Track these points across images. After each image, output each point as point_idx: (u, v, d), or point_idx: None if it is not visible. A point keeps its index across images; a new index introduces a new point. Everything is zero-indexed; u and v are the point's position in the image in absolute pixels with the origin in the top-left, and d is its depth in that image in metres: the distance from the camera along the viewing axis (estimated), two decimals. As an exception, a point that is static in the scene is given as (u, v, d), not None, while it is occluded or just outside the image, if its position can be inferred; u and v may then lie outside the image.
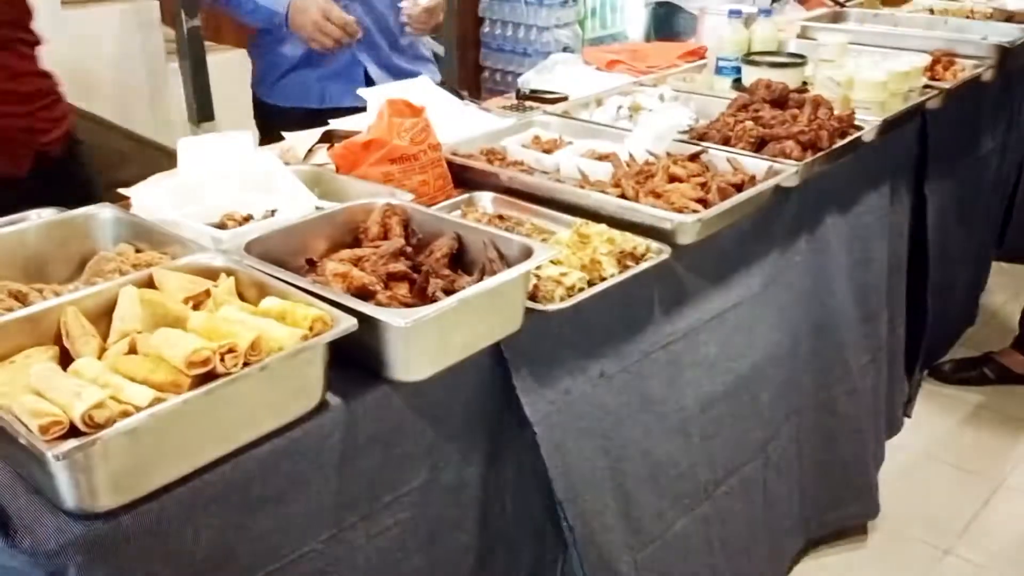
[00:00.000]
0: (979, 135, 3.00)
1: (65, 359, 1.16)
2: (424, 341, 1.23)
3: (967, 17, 3.21)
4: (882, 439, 2.63)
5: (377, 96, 2.24)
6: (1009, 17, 3.09)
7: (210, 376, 1.05)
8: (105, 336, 1.19)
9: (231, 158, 1.84)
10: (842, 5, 3.32)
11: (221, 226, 1.51)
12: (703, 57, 2.86)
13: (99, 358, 1.15)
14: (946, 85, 2.43)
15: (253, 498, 1.14)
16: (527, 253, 1.38)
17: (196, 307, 1.22)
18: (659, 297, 1.74)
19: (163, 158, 3.16)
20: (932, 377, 3.16)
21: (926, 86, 2.42)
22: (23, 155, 2.02)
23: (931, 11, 3.33)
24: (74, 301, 1.20)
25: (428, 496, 1.40)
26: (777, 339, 2.10)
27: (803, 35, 3.01)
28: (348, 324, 1.16)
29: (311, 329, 1.15)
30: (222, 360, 1.04)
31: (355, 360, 1.25)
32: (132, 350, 1.14)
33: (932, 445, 2.83)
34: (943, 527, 2.47)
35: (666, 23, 3.58)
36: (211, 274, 1.29)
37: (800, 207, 2.06)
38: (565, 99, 2.49)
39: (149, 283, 1.26)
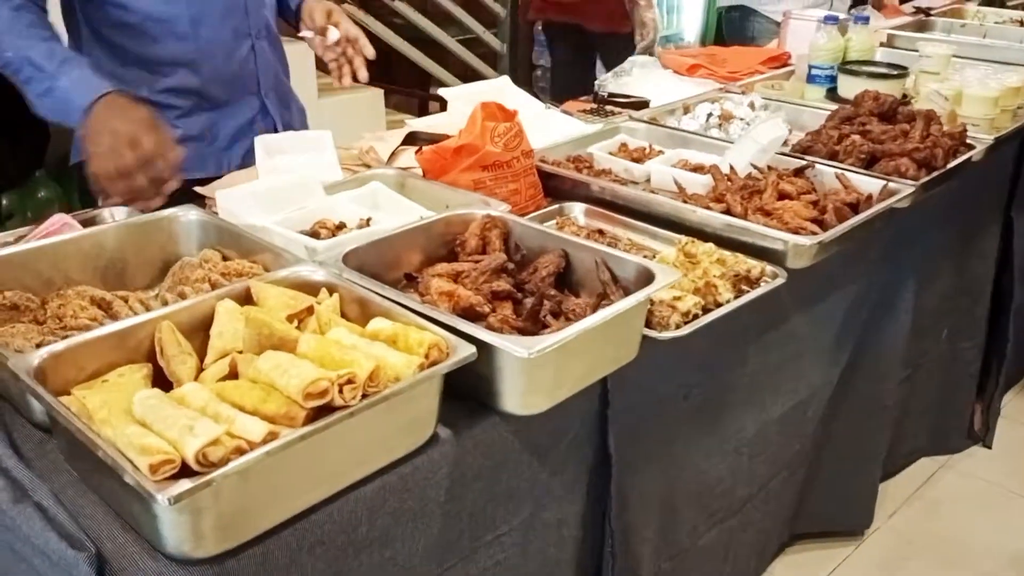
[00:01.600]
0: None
1: (158, 377, 1.07)
2: (544, 373, 1.13)
3: (1060, 29, 3.06)
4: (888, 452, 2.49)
5: (456, 96, 2.16)
6: (1107, 32, 2.94)
7: (324, 408, 0.95)
8: (200, 353, 1.10)
9: (312, 159, 1.76)
10: (928, 13, 3.18)
11: (314, 234, 1.41)
12: (786, 63, 2.74)
13: (196, 378, 1.06)
14: (1055, 102, 2.28)
15: (359, 539, 1.04)
16: (646, 276, 1.27)
17: (298, 325, 1.13)
18: (758, 322, 1.63)
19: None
20: None
21: (1033, 103, 2.28)
22: None
23: (1021, 23, 3.18)
24: (168, 315, 1.11)
25: (528, 535, 1.31)
26: (837, 358, 1.98)
27: (889, 44, 2.88)
28: (467, 353, 1.06)
29: (427, 356, 1.05)
30: (340, 392, 0.94)
31: (458, 387, 1.15)
32: (232, 371, 1.05)
33: (1019, 480, 2.69)
34: (1031, 568, 2.34)
35: (740, 27, 3.45)
36: (311, 289, 1.20)
37: (898, 229, 1.94)
38: (646, 104, 2.37)
39: (246, 297, 1.17)
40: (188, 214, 1.42)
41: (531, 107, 2.18)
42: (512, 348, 1.08)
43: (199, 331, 1.12)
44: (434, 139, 1.84)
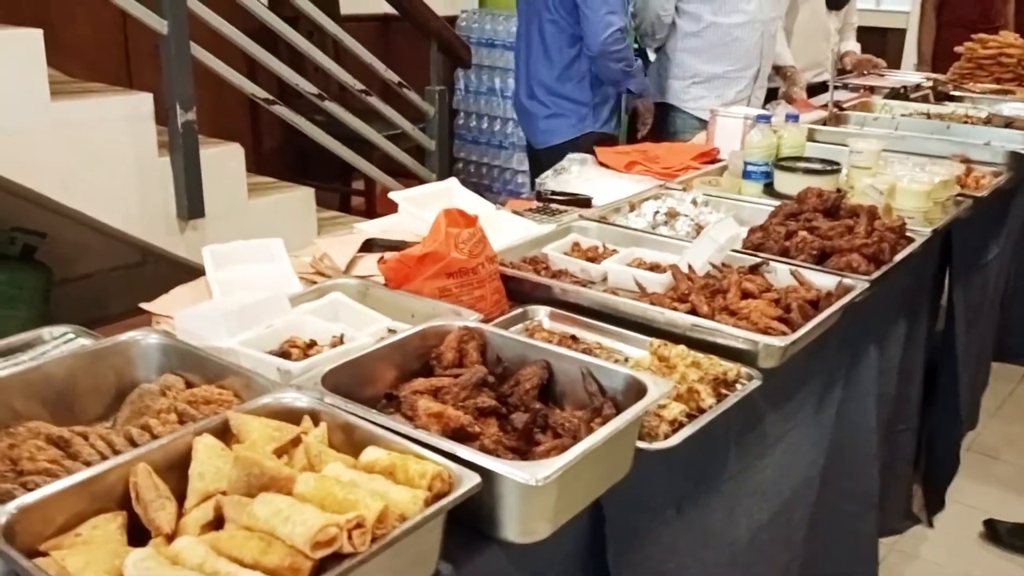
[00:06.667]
0: (988, 241, 3.00)
1: (132, 524, 0.98)
2: (548, 499, 1.08)
3: (964, 122, 3.25)
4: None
5: (407, 199, 2.13)
6: (1009, 123, 3.13)
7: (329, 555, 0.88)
8: (177, 495, 1.01)
9: (266, 269, 1.70)
10: (841, 108, 3.34)
11: (284, 354, 1.34)
12: (716, 159, 2.82)
13: (176, 524, 0.97)
14: (978, 193, 2.40)
15: None
16: (636, 388, 1.25)
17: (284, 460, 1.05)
18: (735, 424, 1.62)
19: (127, 250, 3.00)
20: (986, 539, 2.90)
21: (958, 194, 2.39)
22: None
23: (927, 115, 3.36)
24: (142, 456, 1.02)
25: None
26: (814, 459, 2.00)
27: (810, 138, 2.99)
28: (472, 484, 1.01)
29: (429, 489, 0.99)
30: (349, 537, 0.87)
31: (452, 513, 1.08)
32: (217, 514, 0.97)
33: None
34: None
35: (662, 123, 3.56)
36: (293, 417, 1.13)
37: (852, 320, 1.98)
38: (588, 201, 2.40)
39: (224, 429, 1.09)
40: (148, 338, 1.33)
41: (482, 208, 2.17)
42: (517, 475, 1.03)
43: (175, 470, 1.04)
44: (394, 246, 1.80)
